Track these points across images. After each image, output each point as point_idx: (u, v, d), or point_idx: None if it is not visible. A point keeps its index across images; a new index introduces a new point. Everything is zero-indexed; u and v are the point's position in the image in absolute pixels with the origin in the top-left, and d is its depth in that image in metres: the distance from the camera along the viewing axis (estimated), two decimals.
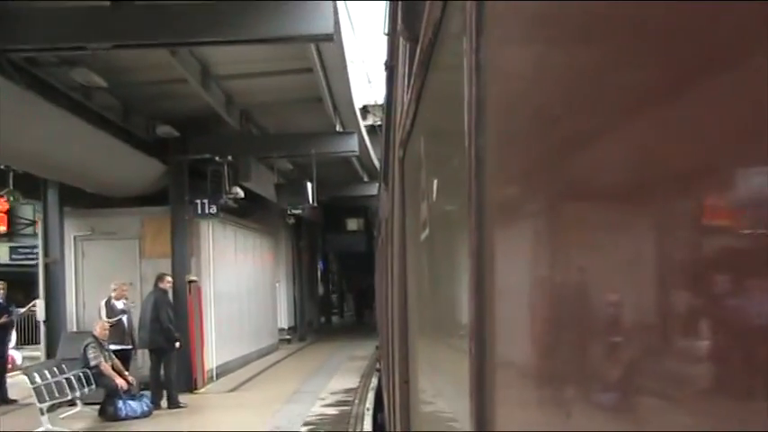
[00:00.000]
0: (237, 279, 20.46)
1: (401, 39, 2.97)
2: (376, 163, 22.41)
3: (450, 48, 1.50)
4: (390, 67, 4.61)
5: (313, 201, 18.50)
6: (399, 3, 2.78)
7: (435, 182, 1.90)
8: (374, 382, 15.36)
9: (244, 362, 20.38)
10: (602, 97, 0.67)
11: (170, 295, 14.75)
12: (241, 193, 16.95)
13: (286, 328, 27.24)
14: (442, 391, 1.84)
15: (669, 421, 0.54)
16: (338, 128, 17.87)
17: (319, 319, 34.17)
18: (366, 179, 26.86)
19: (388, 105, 5.14)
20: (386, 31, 4.84)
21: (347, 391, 15.80)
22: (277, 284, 26.21)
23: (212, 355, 17.61)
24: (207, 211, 16.69)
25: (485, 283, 1.09)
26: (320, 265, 37.57)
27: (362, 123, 19.44)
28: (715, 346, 0.49)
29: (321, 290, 37.47)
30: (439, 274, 1.87)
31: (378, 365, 14.50)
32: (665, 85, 0.54)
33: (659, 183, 0.56)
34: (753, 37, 0.44)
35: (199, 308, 16.51)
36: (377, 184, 23.33)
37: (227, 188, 16.63)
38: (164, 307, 14.14)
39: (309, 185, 18.21)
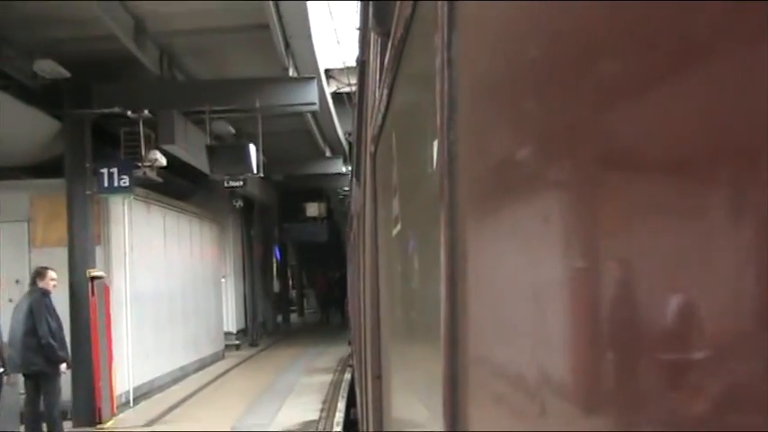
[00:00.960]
0: (168, 274, 16.21)
1: (373, 34, 2.96)
2: (341, 135, 19.80)
3: (421, 43, 1.50)
4: (362, 62, 4.60)
5: (258, 169, 13.75)
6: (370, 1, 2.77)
7: (407, 177, 1.90)
8: (347, 376, 15.20)
9: (176, 378, 16.37)
10: (575, 92, 0.67)
11: (51, 298, 10.23)
12: (162, 161, 12.91)
13: (234, 331, 23.16)
14: (414, 386, 1.84)
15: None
16: (291, 72, 13.32)
17: (275, 320, 29.75)
18: (328, 154, 22.32)
19: (360, 101, 5.13)
20: (358, 26, 4.82)
21: (305, 424, 11.67)
22: (223, 280, 22.18)
23: (127, 373, 13.26)
24: (116, 185, 12.37)
25: (457, 278, 1.09)
26: (277, 257, 33.34)
27: (327, 88, 15.89)
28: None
29: (277, 285, 32.69)
30: (411, 270, 1.87)
31: (350, 361, 14.45)
32: (640, 79, 0.54)
33: (632, 177, 0.56)
34: (733, 24, 0.44)
35: (106, 312, 12.08)
36: (340, 161, 21.95)
37: (144, 153, 12.52)
38: (42, 315, 9.88)
39: (253, 149, 13.43)
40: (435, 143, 1.22)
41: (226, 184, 15.08)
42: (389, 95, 2.08)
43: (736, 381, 0.44)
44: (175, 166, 14.89)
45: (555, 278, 0.73)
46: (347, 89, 17.67)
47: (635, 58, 0.55)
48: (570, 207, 0.70)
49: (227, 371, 18.50)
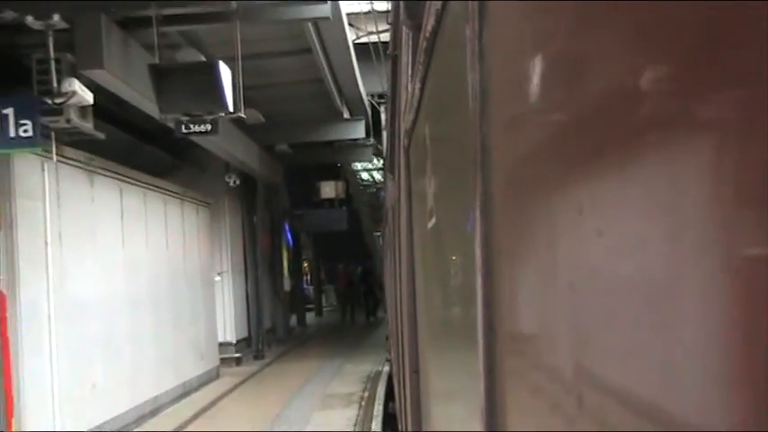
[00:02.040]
0: (129, 274, 11.87)
1: (404, 28, 2.95)
2: (363, 93, 16.36)
3: (452, 35, 1.50)
4: (394, 56, 4.59)
5: (236, 107, 9.42)
6: None
7: (441, 170, 1.90)
8: (386, 369, 14.95)
9: (143, 415, 12.01)
10: (605, 82, 0.66)
11: None
12: (85, 96, 8.54)
13: (234, 342, 18.57)
14: (451, 380, 1.84)
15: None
16: None
17: (286, 323, 24.81)
18: (347, 115, 17.38)
19: (393, 95, 5.13)
20: (389, 21, 4.82)
21: None
22: (217, 278, 17.88)
23: (53, 418, 9.19)
24: (15, 134, 8.10)
25: (493, 270, 1.08)
26: (288, 248, 28.29)
27: (348, 34, 12.75)
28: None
29: (289, 282, 27.25)
30: (446, 263, 1.86)
31: (387, 355, 14.41)
32: (672, 72, 0.53)
33: (666, 167, 0.55)
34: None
35: (2, 335, 8.38)
36: (361, 125, 17.82)
37: (56, 85, 8.23)
38: None
39: (226, 72, 8.88)
40: (468, 135, 1.21)
41: (184, 130, 9.59)
42: (422, 89, 2.07)
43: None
44: (153, 135, 13.19)
45: (589, 270, 0.73)
46: (372, 38, 15.04)
47: (665, 51, 0.54)
48: (603, 198, 0.69)
49: (215, 400, 13.81)
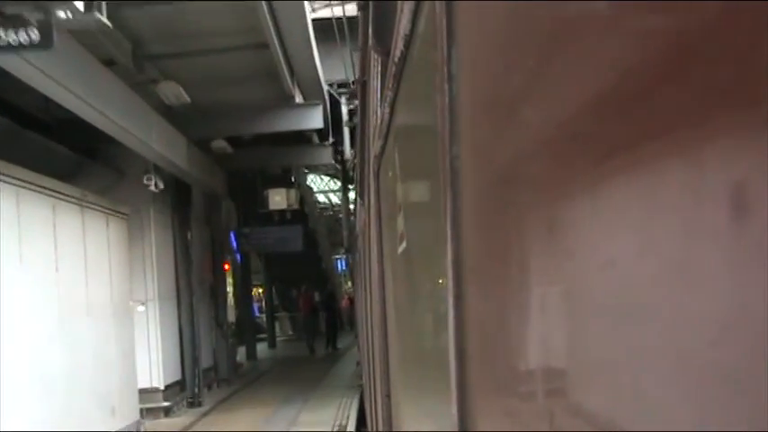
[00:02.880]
0: None
1: (373, 54, 2.97)
2: (321, 77, 13.55)
3: (421, 60, 1.50)
4: (363, 82, 4.61)
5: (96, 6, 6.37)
6: (370, 17, 2.78)
7: (411, 194, 1.90)
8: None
9: None
10: (575, 101, 0.67)
11: None
12: None
13: (162, 387, 14.58)
14: (423, 404, 1.83)
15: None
16: None
17: (232, 359, 20.13)
18: (299, 99, 13.84)
19: (362, 121, 5.14)
20: (359, 47, 4.85)
21: None
22: (141, 308, 14.23)
23: None
24: None
25: (464, 293, 1.08)
26: (236, 270, 24.68)
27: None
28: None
29: (234, 311, 24.26)
30: (417, 287, 1.86)
31: (360, 381, 14.27)
32: (644, 87, 0.54)
33: (637, 186, 0.55)
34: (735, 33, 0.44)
35: None
36: (318, 113, 14.08)
37: None
38: None
39: None
40: (437, 159, 1.21)
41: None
42: (391, 113, 2.08)
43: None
44: (48, 125, 10.63)
45: (561, 289, 0.73)
46: (334, 12, 13.11)
47: (637, 63, 0.55)
48: (574, 216, 0.69)
49: None
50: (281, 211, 20.19)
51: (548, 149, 0.75)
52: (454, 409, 1.10)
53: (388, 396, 3.02)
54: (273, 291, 34.05)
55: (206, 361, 17.18)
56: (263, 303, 33.30)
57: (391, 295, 2.70)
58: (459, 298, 1.09)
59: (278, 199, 19.19)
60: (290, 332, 35.32)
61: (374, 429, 5.09)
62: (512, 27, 0.85)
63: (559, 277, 0.72)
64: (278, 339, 31.96)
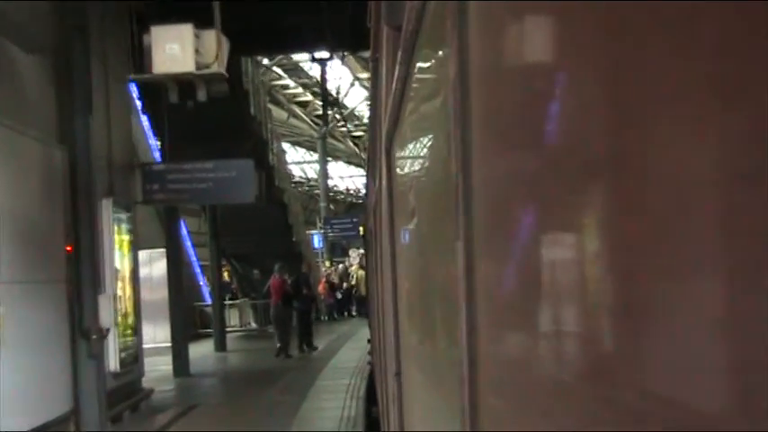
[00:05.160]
0: None
1: (384, 29, 2.95)
2: None
3: (433, 34, 1.49)
4: (375, 59, 4.59)
5: None
6: None
7: (422, 170, 1.89)
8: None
9: None
10: (587, 90, 0.66)
11: None
12: None
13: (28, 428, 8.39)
14: (433, 382, 1.83)
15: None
16: None
17: (136, 374, 12.82)
18: None
19: (374, 99, 5.13)
20: (369, 23, 4.82)
21: None
22: None
23: None
24: None
25: (474, 270, 1.07)
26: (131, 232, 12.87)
27: None
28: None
29: (110, 313, 10.78)
30: (428, 265, 1.85)
31: (369, 359, 14.33)
32: (669, 86, 0.52)
33: (650, 183, 0.55)
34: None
35: None
36: None
37: None
38: None
39: None
40: (449, 134, 1.20)
41: None
42: (402, 89, 2.06)
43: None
44: None
45: (567, 277, 0.73)
46: None
47: (664, 58, 0.53)
48: (588, 204, 0.68)
49: None
50: (220, 135, 14.20)
51: (559, 130, 0.73)
52: (465, 388, 1.10)
53: (398, 374, 3.03)
54: (231, 270, 27.70)
55: (106, 382, 10.63)
56: (214, 280, 21.65)
57: (402, 273, 2.70)
58: (469, 275, 1.09)
59: (174, 50, 9.84)
60: (252, 324, 26.40)
61: (385, 407, 5.12)
62: (524, 4, 0.84)
63: (566, 265, 0.72)
64: (233, 335, 22.98)
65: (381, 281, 4.47)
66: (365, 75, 35.31)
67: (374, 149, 5.34)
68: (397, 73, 2.07)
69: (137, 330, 13.03)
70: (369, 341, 15.72)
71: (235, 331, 24.32)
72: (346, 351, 19.19)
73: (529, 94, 0.84)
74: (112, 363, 11.47)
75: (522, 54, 0.87)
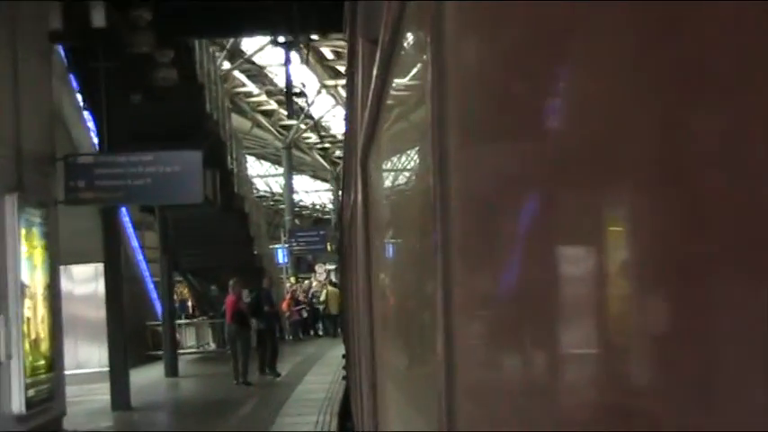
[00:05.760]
0: None
1: (360, 42, 2.95)
2: None
3: (409, 46, 1.49)
4: (350, 73, 4.59)
5: None
6: (358, 3, 2.76)
7: (398, 183, 1.89)
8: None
9: None
10: (567, 95, 0.66)
11: None
12: None
13: None
14: (409, 394, 1.82)
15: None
16: None
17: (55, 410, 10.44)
18: None
19: (350, 112, 5.13)
20: (345, 37, 4.82)
21: None
22: None
23: None
24: None
25: (451, 281, 1.07)
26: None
27: None
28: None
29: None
30: (405, 277, 1.85)
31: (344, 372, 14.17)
32: (643, 83, 0.53)
33: (624, 179, 0.55)
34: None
35: None
36: None
37: None
38: None
39: None
40: (426, 147, 1.20)
41: None
42: (378, 101, 2.07)
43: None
44: None
45: (543, 291, 0.73)
46: None
47: (633, 56, 0.54)
48: (563, 210, 0.69)
49: None
50: (169, 132, 12.25)
51: (541, 142, 0.74)
52: (443, 400, 1.09)
53: (373, 386, 3.02)
54: (187, 286, 25.51)
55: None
56: (167, 305, 19.22)
57: (378, 286, 2.69)
58: (446, 285, 1.08)
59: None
60: (211, 344, 24.35)
61: (360, 420, 5.09)
62: (502, 15, 0.85)
63: (544, 278, 0.72)
64: (188, 357, 21.35)
65: (357, 294, 4.46)
66: (332, 82, 33.50)
67: (349, 164, 5.34)
68: (373, 86, 2.08)
69: (55, 360, 10.37)
70: (344, 356, 15.54)
71: (191, 353, 22.41)
72: (313, 377, 17.21)
73: (507, 104, 0.84)
74: (16, 403, 9.06)
75: (500, 64, 0.87)
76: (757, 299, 0.40)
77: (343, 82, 29.91)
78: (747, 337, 0.41)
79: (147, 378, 16.82)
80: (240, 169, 21.39)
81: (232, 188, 19.28)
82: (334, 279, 31.25)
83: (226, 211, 17.78)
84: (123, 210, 16.14)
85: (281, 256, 35.03)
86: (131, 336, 15.30)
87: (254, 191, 28.38)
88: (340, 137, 40.46)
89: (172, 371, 18.24)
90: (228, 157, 19.14)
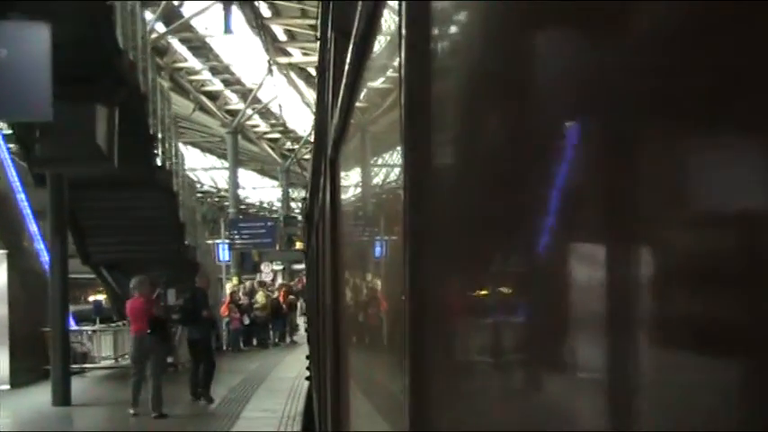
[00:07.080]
0: None
1: (333, 39, 2.92)
2: None
3: (383, 39, 1.47)
4: (322, 71, 4.57)
5: None
6: (331, 2, 2.74)
7: (367, 182, 1.86)
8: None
9: None
10: (542, 99, 0.65)
11: None
12: None
13: None
14: (374, 398, 1.80)
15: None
16: None
17: None
18: None
19: (320, 110, 5.11)
20: (317, 35, 4.80)
21: None
22: None
23: None
24: None
25: (419, 285, 1.06)
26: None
27: None
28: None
29: None
30: (370, 276, 1.83)
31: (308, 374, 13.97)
32: (613, 85, 0.51)
33: (599, 187, 0.54)
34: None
35: None
36: None
37: None
38: None
39: None
40: (397, 144, 1.18)
41: None
42: (350, 98, 2.04)
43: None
44: None
45: (511, 292, 0.74)
46: None
47: (610, 59, 0.52)
48: (537, 211, 0.67)
49: None
50: (71, 72, 9.53)
51: (513, 138, 0.72)
52: (406, 403, 1.07)
53: (337, 387, 2.99)
54: (102, 283, 21.08)
55: None
56: (58, 305, 13.77)
57: (344, 283, 2.67)
58: (413, 287, 1.07)
59: None
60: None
61: (322, 422, 5.07)
62: (478, 10, 0.83)
63: (516, 273, 0.72)
64: (99, 374, 16.87)
65: (323, 292, 4.43)
66: (284, 60, 29.73)
67: (319, 161, 5.32)
68: (344, 81, 2.05)
69: None
70: (307, 357, 15.38)
71: (104, 368, 17.38)
72: (254, 413, 12.14)
73: (480, 99, 0.83)
74: None
75: (474, 59, 0.86)
76: None
77: (298, 60, 27.48)
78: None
79: (27, 407, 12.19)
80: (167, 136, 16.97)
81: (154, 158, 15.28)
82: (290, 282, 27.55)
83: (146, 187, 14.18)
84: (18, 186, 12.24)
85: (222, 253, 29.30)
86: (24, 344, 12.31)
87: (198, 184, 24.18)
88: (291, 126, 37.57)
89: (63, 397, 12.89)
90: (149, 118, 14.58)
